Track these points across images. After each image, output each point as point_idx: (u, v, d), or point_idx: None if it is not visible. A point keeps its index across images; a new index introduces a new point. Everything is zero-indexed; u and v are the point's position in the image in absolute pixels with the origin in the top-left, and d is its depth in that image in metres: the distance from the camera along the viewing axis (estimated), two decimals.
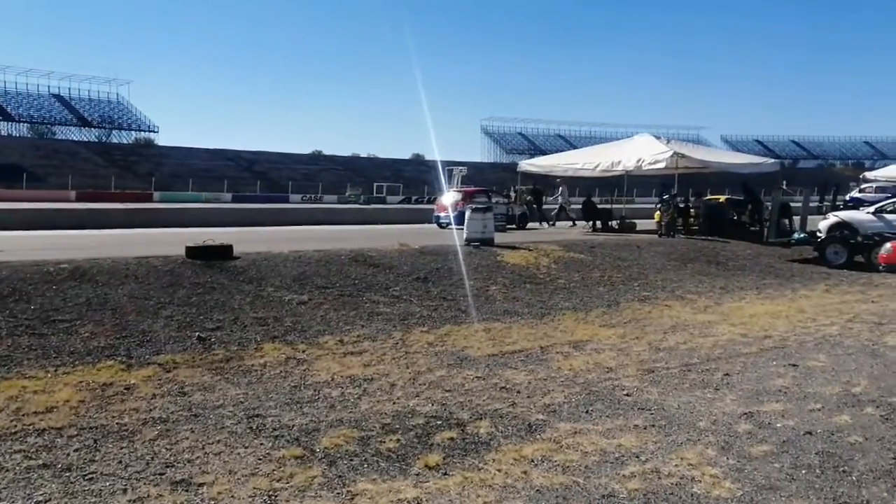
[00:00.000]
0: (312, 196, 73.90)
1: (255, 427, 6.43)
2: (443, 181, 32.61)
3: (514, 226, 26.44)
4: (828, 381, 7.83)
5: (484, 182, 78.48)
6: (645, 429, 6.29)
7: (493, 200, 26.82)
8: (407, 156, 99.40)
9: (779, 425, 6.38)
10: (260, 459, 5.72)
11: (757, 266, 17.90)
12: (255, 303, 10.96)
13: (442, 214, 26.11)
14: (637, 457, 5.65)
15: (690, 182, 25.18)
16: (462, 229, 17.87)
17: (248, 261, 13.20)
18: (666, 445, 5.89)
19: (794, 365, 8.50)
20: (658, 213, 22.59)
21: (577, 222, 27.60)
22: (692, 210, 23.59)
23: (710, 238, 21.16)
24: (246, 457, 5.79)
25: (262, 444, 6.05)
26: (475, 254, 15.99)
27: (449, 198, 26.44)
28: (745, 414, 6.68)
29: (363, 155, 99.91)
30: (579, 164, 24.67)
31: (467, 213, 17.88)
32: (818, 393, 7.39)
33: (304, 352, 8.98)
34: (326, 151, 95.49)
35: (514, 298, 12.78)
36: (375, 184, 77.21)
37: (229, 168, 78.61)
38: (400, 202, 73.97)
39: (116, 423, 6.63)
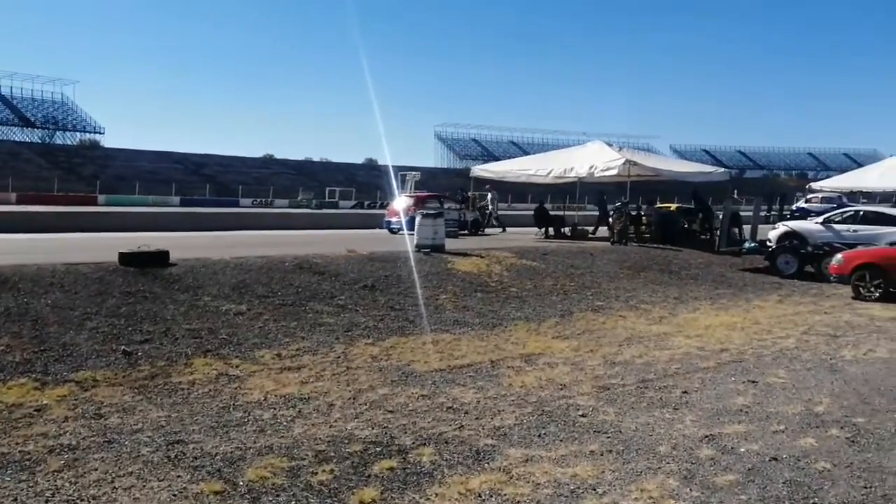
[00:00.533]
0: (263, 200, 72.41)
1: (173, 456, 5.75)
2: (395, 186, 31.99)
3: (466, 231, 25.98)
4: (789, 400, 7.45)
5: (437, 187, 77.99)
6: (602, 455, 5.79)
7: (446, 206, 26.37)
8: (360, 160, 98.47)
9: (742, 450, 5.93)
10: (175, 496, 5.05)
11: (710, 275, 17.71)
12: (190, 313, 10.23)
13: (393, 220, 25.62)
14: (594, 489, 5.13)
15: (641, 190, 24.97)
16: (413, 235, 17.35)
17: (186, 268, 12.44)
18: (624, 475, 5.39)
19: (753, 381, 8.12)
20: (610, 220, 22.34)
21: (518, 229, 27.31)
22: (644, 218, 23.40)
23: (662, 246, 21.00)
24: (159, 492, 5.11)
25: (179, 476, 5.37)
26: (425, 260, 15.47)
27: (400, 203, 25.93)
28: (707, 437, 6.22)
29: (316, 159, 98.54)
30: (532, 171, 24.37)
31: (417, 219, 17.35)
32: (780, 413, 6.99)
33: (237, 367, 8.30)
34: (278, 155, 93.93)
35: (465, 308, 12.27)
36: (328, 188, 76.21)
37: (177, 171, 76.65)
38: (352, 207, 73.02)
39: (19, 452, 5.89)
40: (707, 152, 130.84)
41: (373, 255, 15.42)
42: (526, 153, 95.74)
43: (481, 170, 27.03)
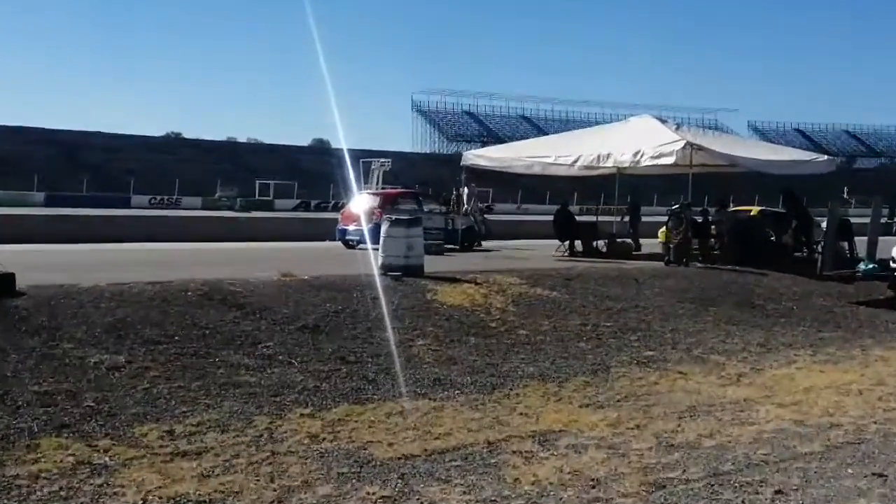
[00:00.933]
0: (166, 198, 72.34)
1: None
2: (351, 178, 31.79)
3: (456, 246, 25.77)
4: None
5: (417, 180, 77.88)
6: None
7: (426, 209, 26.19)
8: (306, 142, 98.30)
9: None
10: None
11: (809, 311, 17.46)
12: (40, 368, 9.83)
13: (350, 227, 25.41)
14: None
15: (708, 186, 24.84)
16: (378, 250, 17.09)
17: (40, 299, 12.09)
18: None
19: (881, 475, 7.79)
20: (665, 230, 22.09)
21: (532, 242, 27.21)
22: (713, 227, 23.20)
23: (738, 268, 20.82)
24: None
25: None
26: (395, 289, 15.18)
27: (361, 203, 25.73)
28: None
29: (242, 140, 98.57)
30: (551, 157, 24.12)
31: (384, 228, 17.05)
32: None
33: (106, 452, 7.89)
34: (188, 134, 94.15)
35: (451, 360, 11.93)
36: (259, 181, 76.10)
37: (41, 155, 76.35)
38: (295, 208, 72.85)
39: None
40: (802, 133, 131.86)
41: (318, 281, 15.13)
42: (542, 132, 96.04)
43: (477, 155, 26.84)
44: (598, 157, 23.04)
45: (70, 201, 59.82)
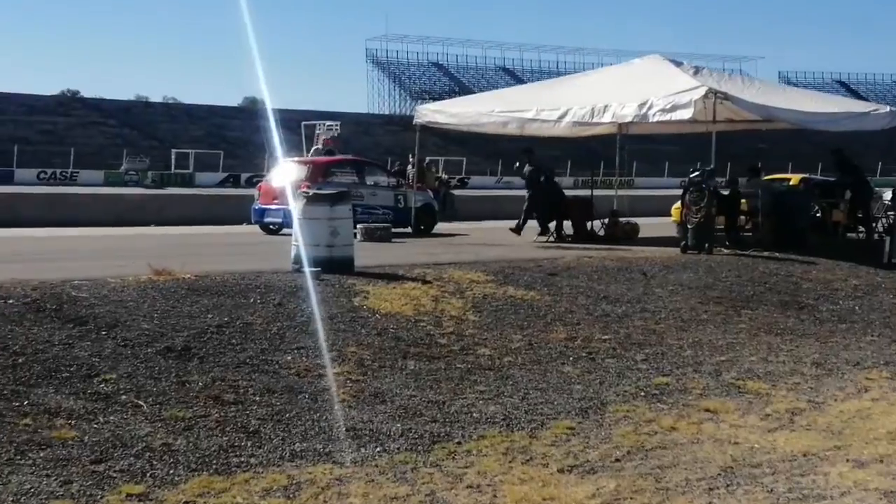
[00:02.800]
0: (60, 171, 70.47)
1: None
2: (276, 143, 30.04)
3: (409, 229, 24.68)
4: None
5: (376, 149, 75.84)
6: None
7: (370, 181, 24.63)
8: (235, 102, 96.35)
9: None
10: None
11: (877, 313, 15.87)
12: None
13: (271, 207, 23.79)
14: None
15: (731, 149, 23.13)
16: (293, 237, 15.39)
17: None
18: None
19: None
20: (680, 206, 20.75)
21: (504, 223, 25.71)
22: (743, 202, 21.91)
23: (778, 255, 19.38)
24: None
25: None
26: (312, 291, 13.42)
27: (285, 175, 23.87)
28: None
29: (154, 100, 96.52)
30: (530, 112, 22.44)
31: (298, 207, 15.22)
32: None
33: None
34: (86, 93, 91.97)
35: (378, 396, 10.07)
36: (174, 150, 74.05)
37: None
38: (220, 183, 71.17)
39: None
40: (844, 85, 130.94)
41: (202, 282, 13.37)
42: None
43: (434, 111, 25.19)
44: (593, 110, 21.49)
45: None
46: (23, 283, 12.30)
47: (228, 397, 9.58)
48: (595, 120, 21.78)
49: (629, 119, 21.62)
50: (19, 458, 7.85)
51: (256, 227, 24.37)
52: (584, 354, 12.16)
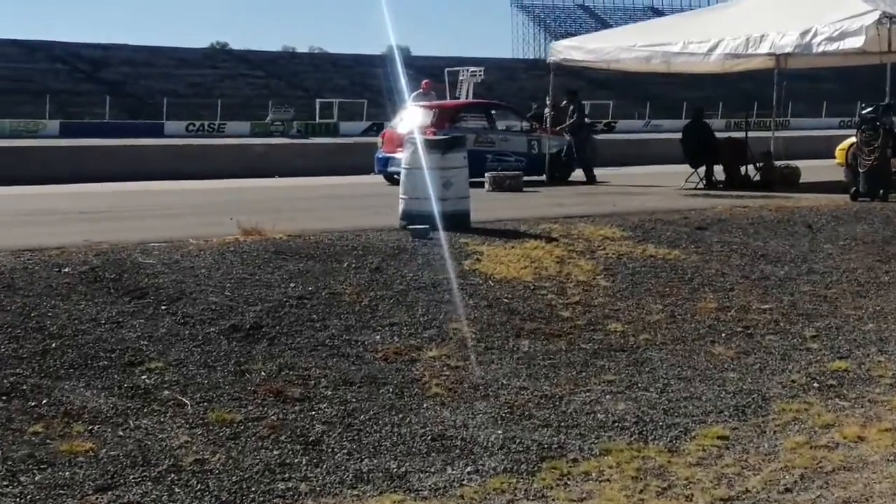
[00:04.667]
0: (208, 124, 70.18)
1: None
2: (403, 87, 28.19)
3: (543, 177, 22.56)
4: None
5: (520, 95, 73.50)
6: None
7: (502, 126, 22.70)
8: (379, 51, 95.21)
9: None
10: None
11: None
12: None
13: (395, 155, 21.81)
14: None
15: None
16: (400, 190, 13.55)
17: None
18: None
19: None
20: (846, 146, 18.46)
21: (651, 169, 24.75)
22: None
23: None
24: None
25: None
26: (416, 253, 11.63)
27: (410, 121, 21.99)
28: None
29: (301, 50, 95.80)
30: (677, 45, 20.31)
31: (404, 155, 13.28)
32: None
33: None
34: (236, 45, 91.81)
35: (479, 388, 8.10)
36: (319, 100, 72.84)
37: (58, 74, 74.55)
38: (364, 132, 69.98)
39: None
40: None
41: (291, 244, 11.54)
42: None
43: (570, 47, 23.08)
44: (748, 40, 19.37)
45: (90, 130, 57.83)
46: (89, 248, 10.66)
47: (294, 392, 7.70)
48: (750, 51, 19.59)
49: (789, 49, 19.34)
50: (6, 483, 6.09)
51: (381, 177, 22.54)
52: (739, 329, 9.96)
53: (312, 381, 7.92)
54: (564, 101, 24.52)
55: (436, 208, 12.80)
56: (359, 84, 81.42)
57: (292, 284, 9.95)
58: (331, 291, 9.89)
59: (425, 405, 7.66)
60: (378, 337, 8.97)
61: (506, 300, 10.15)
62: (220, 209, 15.45)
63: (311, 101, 74.02)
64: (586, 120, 28.72)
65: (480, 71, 59.53)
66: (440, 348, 8.81)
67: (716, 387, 8.36)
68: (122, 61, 79.14)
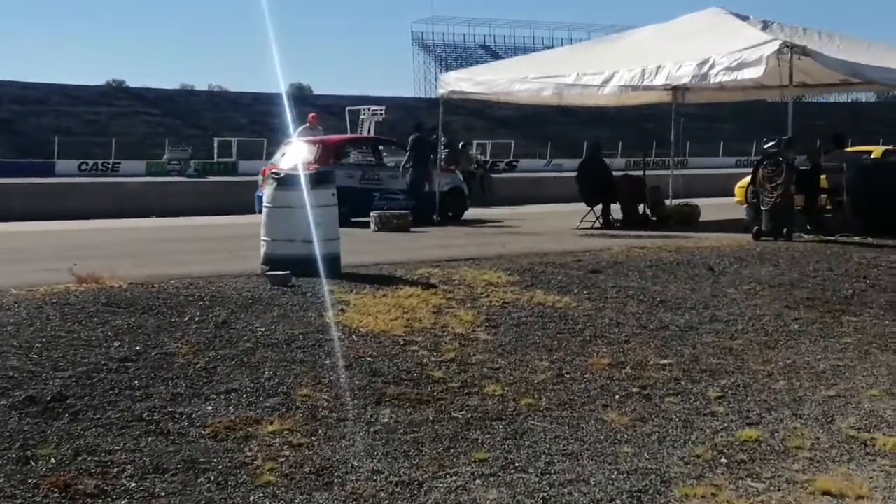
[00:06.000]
0: (101, 163, 68.26)
1: None
2: (289, 124, 26.89)
3: (434, 216, 21.27)
4: None
5: (414, 132, 72.53)
6: None
7: (391, 162, 21.55)
8: (279, 89, 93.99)
9: None
10: None
11: None
12: None
13: None
14: None
15: (801, 122, 19.92)
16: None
17: None
18: None
19: None
20: (746, 184, 18.06)
21: (547, 208, 23.68)
22: (822, 177, 18.54)
23: (873, 240, 15.94)
24: None
25: None
26: (273, 302, 10.02)
27: (292, 156, 20.53)
28: None
29: (200, 88, 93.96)
30: (570, 77, 19.00)
31: (265, 194, 11.85)
32: None
33: None
34: (132, 83, 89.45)
35: (324, 474, 6.60)
36: (217, 139, 71.28)
37: None
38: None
39: None
40: None
41: (130, 293, 10.01)
42: None
43: (459, 79, 21.99)
44: (644, 72, 18.31)
45: None
46: None
47: (86, 485, 6.13)
48: (646, 83, 18.52)
49: (686, 80, 18.37)
50: None
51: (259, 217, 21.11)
52: (635, 390, 8.55)
53: (114, 469, 6.34)
54: (463, 142, 23.51)
55: (300, 252, 11.36)
56: (259, 122, 80.00)
57: (116, 343, 8.36)
58: (162, 351, 8.32)
59: (252, 498, 6.14)
60: (210, 407, 7.42)
61: (369, 359, 8.66)
62: (66, 253, 13.70)
63: (209, 140, 72.76)
64: (481, 157, 27.63)
65: (381, 109, 58.92)
66: (283, 421, 7.28)
67: (607, 465, 6.92)
68: (12, 98, 76.73)
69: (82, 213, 23.52)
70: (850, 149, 22.43)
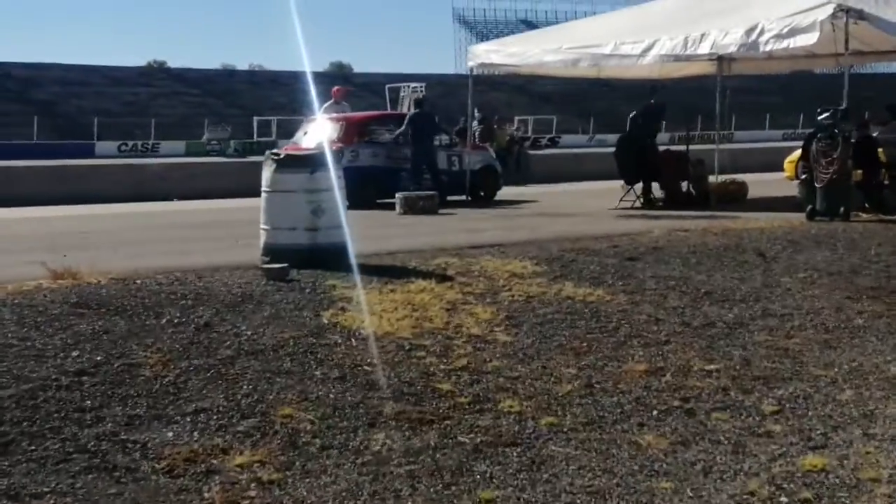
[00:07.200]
0: (141, 143, 67.86)
1: None
2: (314, 100, 25.76)
3: (463, 196, 20.27)
4: None
5: (462, 110, 71.18)
6: None
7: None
8: (322, 67, 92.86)
9: None
10: None
11: None
12: None
13: None
14: None
15: (850, 90, 18.60)
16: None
17: None
18: None
19: None
20: (796, 158, 18.31)
21: (579, 186, 22.98)
22: (880, 150, 17.12)
23: None
24: None
25: None
26: (265, 300, 8.87)
27: (315, 134, 19.55)
28: None
29: (241, 68, 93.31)
30: (607, 46, 18.13)
31: (264, 177, 10.65)
32: None
33: None
34: (173, 64, 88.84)
35: None
36: (256, 118, 70.67)
37: None
38: None
39: None
40: None
41: (105, 291, 8.93)
42: None
43: (489, 50, 21.02)
44: (686, 40, 17.41)
45: (16, 151, 55.03)
46: None
47: None
48: (689, 51, 17.53)
49: (733, 48, 17.38)
50: None
51: None
52: (676, 404, 7.25)
53: None
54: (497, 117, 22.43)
55: (303, 241, 10.17)
56: (298, 101, 79.12)
57: (75, 353, 7.18)
58: (127, 362, 7.13)
59: None
60: (171, 433, 6.22)
61: (367, 368, 7.43)
62: (60, 242, 12.69)
63: (248, 120, 72.12)
64: (517, 133, 26.51)
65: (422, 86, 57.87)
66: (256, 450, 6.07)
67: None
68: (53, 80, 76.75)
69: (99, 198, 22.51)
70: None
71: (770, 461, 6.33)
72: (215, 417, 6.46)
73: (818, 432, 6.85)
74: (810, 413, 7.20)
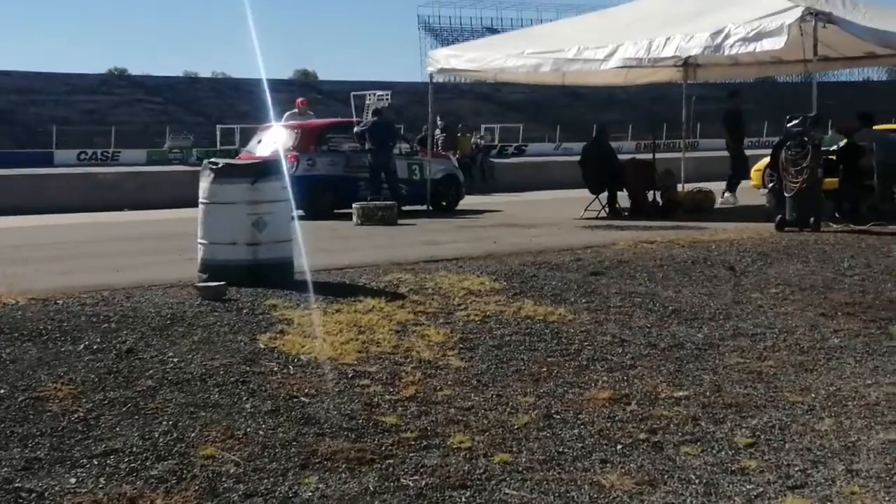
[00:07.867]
0: (98, 153, 67.40)
1: None
2: (269, 107, 25.20)
3: (424, 206, 19.84)
4: None
5: (425, 118, 70.91)
6: None
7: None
8: (286, 75, 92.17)
9: None
10: None
11: None
12: None
13: None
14: None
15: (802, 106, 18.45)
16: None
17: None
18: None
19: None
20: (763, 166, 18.45)
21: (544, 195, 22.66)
22: (852, 158, 16.83)
23: None
24: None
25: None
26: (198, 324, 8.03)
27: (269, 143, 18.86)
28: None
29: (204, 75, 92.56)
30: (570, 51, 17.56)
31: (202, 188, 9.93)
32: None
33: None
34: (134, 72, 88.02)
35: None
36: (220, 126, 69.99)
37: None
38: None
39: None
40: None
41: (19, 313, 8.24)
42: None
43: (448, 55, 20.67)
44: (650, 45, 16.86)
45: None
46: None
47: None
48: (653, 55, 17.07)
49: (697, 52, 17.09)
50: None
51: None
52: (642, 436, 6.53)
53: None
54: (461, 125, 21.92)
55: (243, 257, 9.44)
56: (262, 109, 78.68)
57: None
58: (33, 395, 6.39)
59: None
60: (74, 480, 5.44)
61: (304, 399, 6.70)
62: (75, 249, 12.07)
63: (212, 128, 71.57)
64: (481, 142, 25.93)
65: (387, 94, 57.15)
66: (169, 498, 5.30)
67: None
68: (11, 88, 75.70)
69: (47, 208, 21.78)
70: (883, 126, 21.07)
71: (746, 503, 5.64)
72: (127, 460, 5.70)
73: (797, 468, 6.13)
74: (787, 446, 6.49)
